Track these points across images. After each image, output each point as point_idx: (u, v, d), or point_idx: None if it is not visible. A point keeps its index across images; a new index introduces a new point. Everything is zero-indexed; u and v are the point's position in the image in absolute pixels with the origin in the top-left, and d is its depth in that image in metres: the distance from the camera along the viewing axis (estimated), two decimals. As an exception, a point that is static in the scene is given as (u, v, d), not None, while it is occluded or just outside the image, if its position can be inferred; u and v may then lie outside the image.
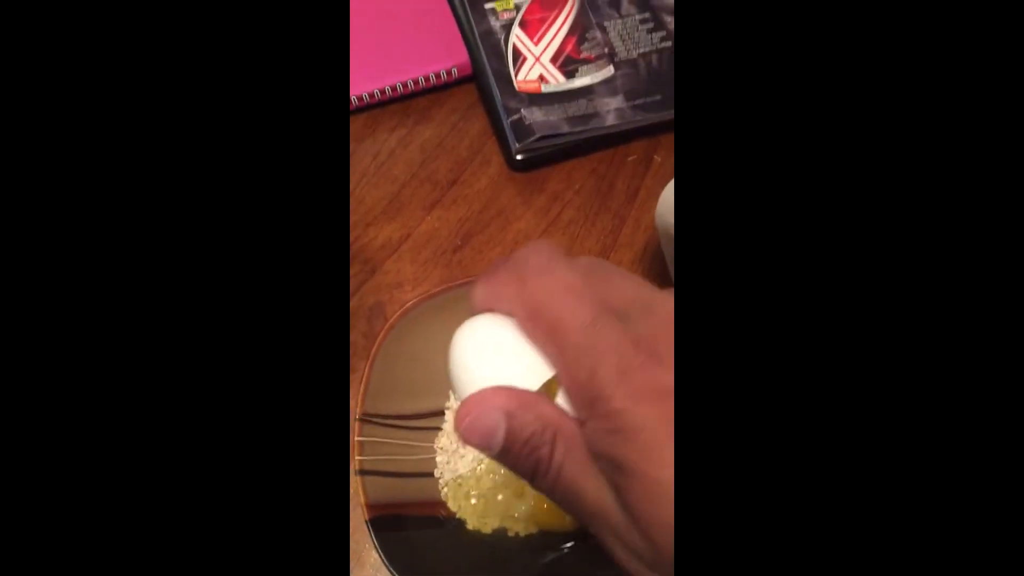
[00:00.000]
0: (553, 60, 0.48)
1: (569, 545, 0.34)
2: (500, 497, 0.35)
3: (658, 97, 0.48)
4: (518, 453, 0.19)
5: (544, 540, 0.34)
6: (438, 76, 0.50)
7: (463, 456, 0.36)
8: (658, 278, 0.44)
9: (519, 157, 0.47)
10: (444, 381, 0.38)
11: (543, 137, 0.45)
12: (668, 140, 0.51)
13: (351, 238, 0.46)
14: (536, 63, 0.48)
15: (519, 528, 0.35)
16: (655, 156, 0.50)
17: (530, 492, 0.34)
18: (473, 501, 0.35)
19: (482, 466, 0.36)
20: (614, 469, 0.18)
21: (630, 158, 0.50)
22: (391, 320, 0.36)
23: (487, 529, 0.34)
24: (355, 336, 0.42)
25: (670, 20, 0.51)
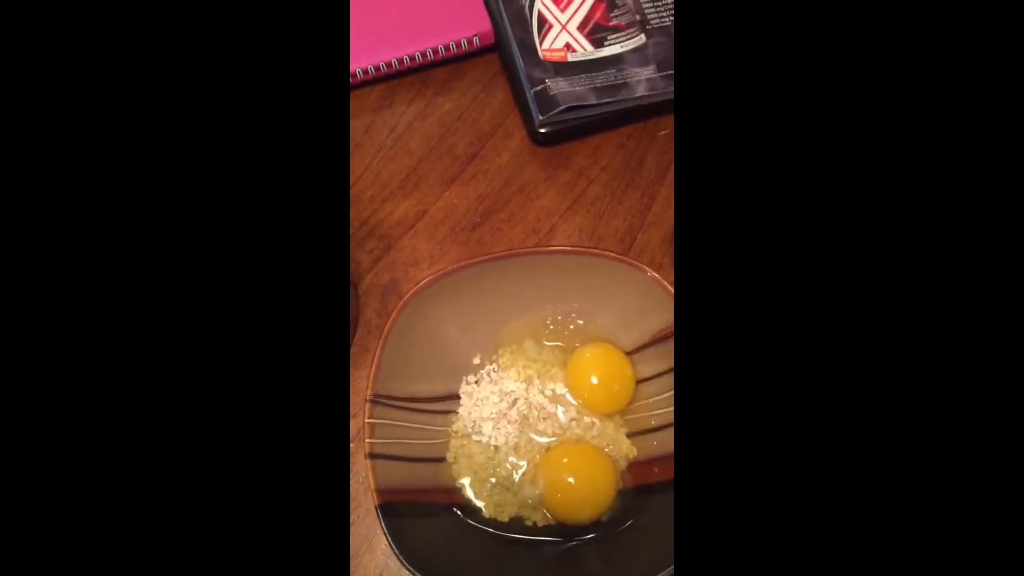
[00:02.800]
0: (580, 28, 0.46)
1: (587, 537, 0.32)
2: (517, 480, 0.33)
3: (692, 67, 0.45)
4: None
5: (561, 530, 0.32)
6: (459, 45, 0.47)
7: (478, 441, 0.34)
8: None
9: (542, 130, 0.44)
10: (460, 363, 0.37)
11: (569, 108, 0.43)
12: (701, 114, 0.48)
13: (367, 214, 0.44)
14: (562, 31, 0.45)
15: (536, 518, 0.33)
16: (687, 131, 0.47)
17: (543, 477, 0.33)
18: (489, 487, 0.33)
19: (499, 452, 0.34)
20: None
21: (662, 132, 0.47)
22: (404, 298, 0.34)
23: (503, 518, 0.33)
24: (368, 315, 0.41)
25: (706, -15, 0.48)
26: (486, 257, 0.36)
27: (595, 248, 0.36)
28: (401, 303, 0.34)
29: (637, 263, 0.35)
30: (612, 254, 0.35)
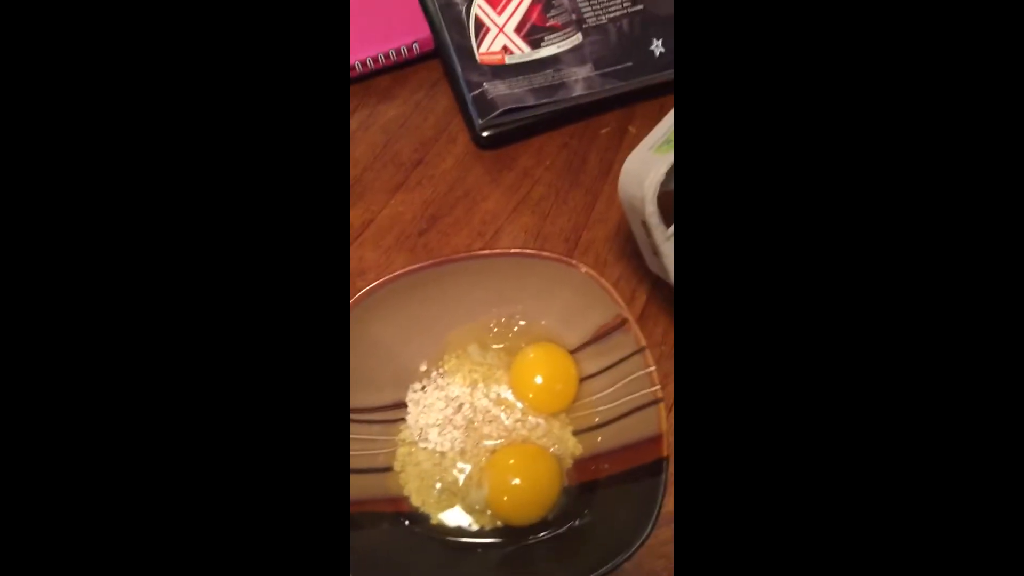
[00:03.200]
0: (517, 30, 0.46)
1: (534, 537, 0.32)
2: (461, 484, 0.33)
3: (629, 64, 0.45)
4: None
5: (509, 532, 0.33)
6: (399, 53, 0.48)
7: (425, 448, 0.34)
8: (632, 256, 0.42)
9: (484, 133, 0.45)
10: (406, 370, 0.37)
11: (507, 111, 0.43)
12: (643, 110, 0.48)
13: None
14: (500, 33, 0.46)
15: (484, 521, 0.33)
16: (629, 127, 0.47)
17: (488, 480, 0.33)
18: (436, 493, 0.33)
19: (445, 457, 0.34)
20: None
21: (603, 130, 0.47)
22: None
23: (450, 523, 0.33)
24: (316, 327, 0.41)
25: (642, -18, 0.48)
26: (424, 264, 0.36)
27: (530, 249, 0.36)
28: (339, 314, 0.34)
29: (572, 261, 0.35)
30: (548, 254, 0.35)
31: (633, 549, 0.28)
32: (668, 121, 0.34)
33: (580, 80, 0.44)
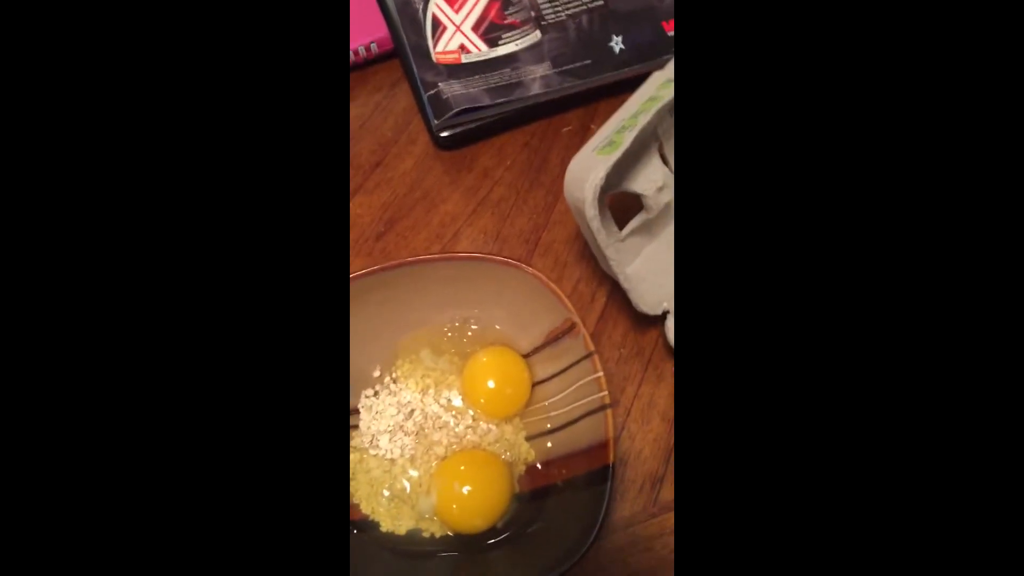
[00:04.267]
0: (475, 28, 0.45)
1: (485, 544, 0.32)
2: (408, 491, 0.33)
3: (588, 62, 0.44)
4: None
5: (461, 541, 0.32)
6: (356, 53, 0.47)
7: (375, 455, 0.34)
8: (592, 257, 0.41)
9: (443, 134, 0.44)
10: (359, 376, 0.36)
11: (463, 111, 0.42)
12: (605, 108, 0.47)
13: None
14: (457, 32, 0.45)
15: (434, 529, 0.33)
16: (591, 125, 0.47)
17: (436, 488, 0.32)
18: (385, 500, 0.33)
19: (395, 464, 0.34)
20: None
21: (565, 128, 0.47)
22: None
23: (401, 531, 0.33)
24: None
25: (603, -23, 0.47)
26: (376, 268, 0.35)
27: (480, 253, 0.35)
28: (285, 322, 0.34)
29: (521, 264, 0.34)
30: (498, 257, 0.35)
31: (575, 559, 0.28)
32: (613, 122, 0.33)
33: (537, 79, 0.44)
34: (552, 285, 0.34)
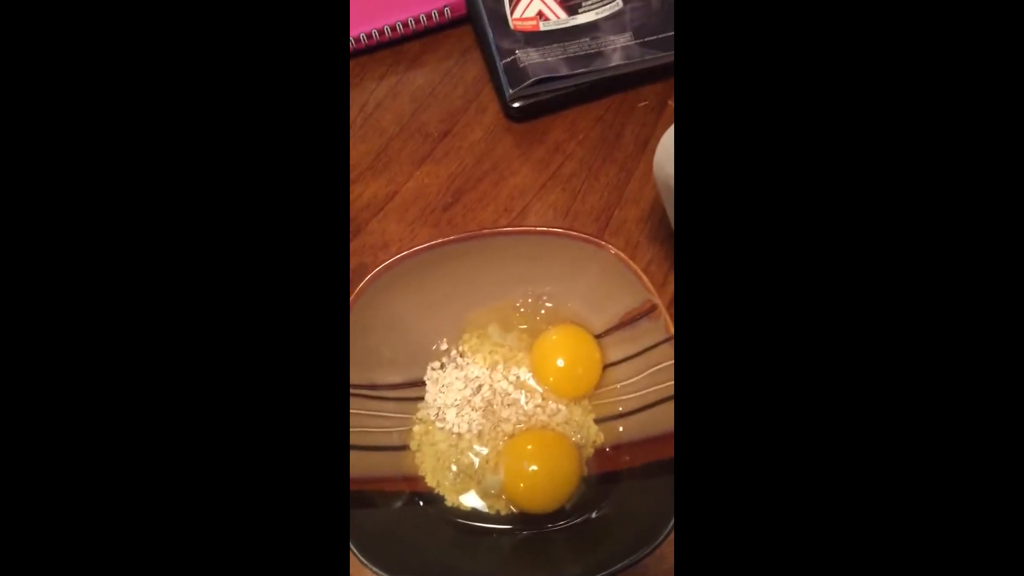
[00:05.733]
0: (554, -6, 0.43)
1: (550, 525, 0.31)
2: (477, 467, 0.32)
3: (671, 33, 0.42)
4: None
5: (524, 519, 0.32)
6: (429, 17, 0.46)
7: (442, 428, 0.34)
8: (665, 239, 0.40)
9: (515, 104, 0.43)
10: (424, 349, 0.36)
11: (539, 80, 0.41)
12: (684, 83, 0.45)
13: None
14: (535, -2, 0.43)
15: (499, 506, 0.32)
16: (669, 101, 0.45)
17: (504, 466, 0.32)
18: (451, 475, 0.33)
19: (462, 439, 0.33)
20: None
21: (641, 104, 0.45)
22: (361, 284, 0.33)
23: (465, 506, 0.32)
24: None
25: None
26: (448, 239, 0.35)
27: (558, 228, 0.34)
28: (358, 289, 0.33)
29: (602, 242, 0.33)
30: (577, 233, 0.34)
31: (651, 548, 0.27)
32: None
33: (618, 49, 0.42)
34: (634, 265, 0.32)
